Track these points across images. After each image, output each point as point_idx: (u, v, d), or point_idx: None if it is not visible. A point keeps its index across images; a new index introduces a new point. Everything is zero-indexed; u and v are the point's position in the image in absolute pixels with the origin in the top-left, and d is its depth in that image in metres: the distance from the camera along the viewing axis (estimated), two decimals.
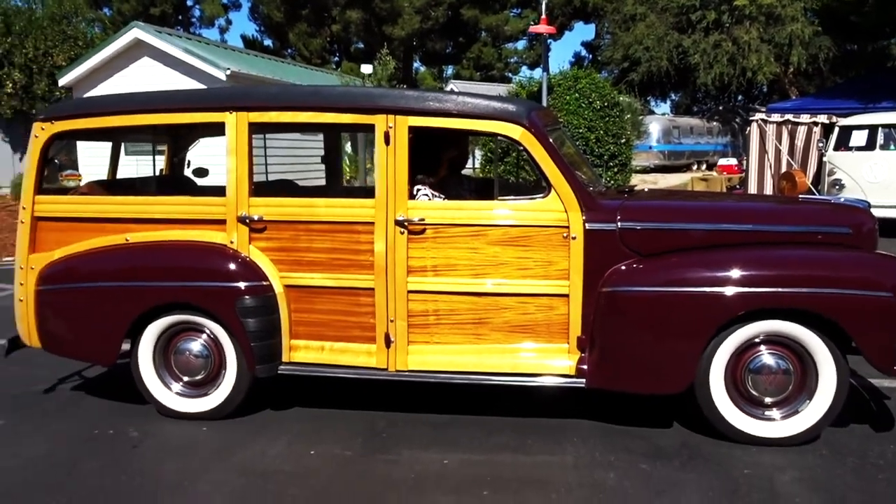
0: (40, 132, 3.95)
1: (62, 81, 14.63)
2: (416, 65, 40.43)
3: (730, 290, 3.23)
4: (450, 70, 43.96)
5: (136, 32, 13.86)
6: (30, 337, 3.94)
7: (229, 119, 3.70)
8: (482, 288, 3.48)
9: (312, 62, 34.04)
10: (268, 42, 39.49)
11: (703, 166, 27.77)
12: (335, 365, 3.63)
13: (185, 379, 3.81)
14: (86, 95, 14.42)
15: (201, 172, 5.21)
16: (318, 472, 3.20)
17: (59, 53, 17.02)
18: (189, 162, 5.29)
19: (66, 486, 3.11)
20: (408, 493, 3.00)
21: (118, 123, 3.97)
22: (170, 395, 3.82)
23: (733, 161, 22.25)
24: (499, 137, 3.66)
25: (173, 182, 4.92)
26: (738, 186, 16.95)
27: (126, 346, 3.83)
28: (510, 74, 40.70)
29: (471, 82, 32.92)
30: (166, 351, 3.81)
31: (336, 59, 38.92)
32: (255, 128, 3.74)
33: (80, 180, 4.72)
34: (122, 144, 5.04)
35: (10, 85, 16.82)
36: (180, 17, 40.54)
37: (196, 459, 3.37)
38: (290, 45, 37.99)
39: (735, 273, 3.25)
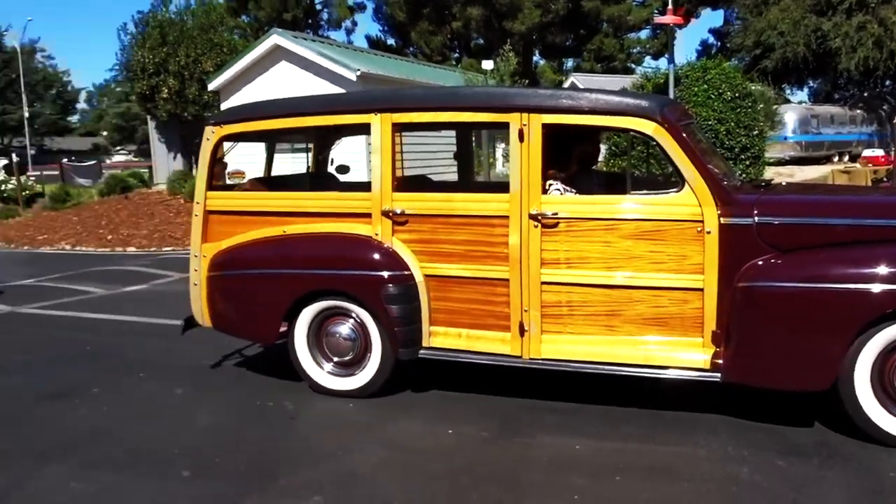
0: (211, 135, 4.43)
1: (211, 86, 15.88)
2: (535, 58, 40.27)
3: (877, 287, 3.14)
4: (570, 63, 43.45)
5: (276, 39, 14.79)
6: (202, 317, 4.44)
7: (375, 120, 4.00)
8: (615, 280, 3.58)
9: (433, 59, 34.74)
10: (391, 41, 40.68)
11: (846, 158, 25.92)
12: (471, 351, 3.85)
13: (335, 359, 4.15)
14: (231, 98, 15.61)
15: (343, 169, 5.60)
16: (458, 450, 3.43)
17: (207, 60, 18.41)
18: (332, 160, 5.70)
19: (238, 450, 3.51)
20: (543, 473, 3.16)
21: (277, 126, 4.39)
22: (322, 374, 4.17)
23: (880, 152, 20.66)
24: (631, 133, 3.74)
25: (320, 179, 5.31)
26: (885, 179, 15.75)
27: (283, 328, 4.23)
28: (633, 65, 39.69)
29: (592, 75, 32.43)
30: (319, 333, 4.16)
31: (456, 55, 39.47)
32: (398, 128, 4.01)
33: (243, 178, 5.28)
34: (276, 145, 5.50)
35: (166, 91, 18.41)
36: (310, 21, 42.55)
37: (346, 433, 3.70)
38: (412, 44, 38.94)
39: (883, 269, 3.16)
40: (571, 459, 3.29)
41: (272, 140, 5.37)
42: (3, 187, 25.17)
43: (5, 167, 23.30)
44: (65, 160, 29.93)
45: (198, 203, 4.45)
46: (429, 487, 3.05)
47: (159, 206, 17.34)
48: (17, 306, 7.37)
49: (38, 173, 26.72)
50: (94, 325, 6.46)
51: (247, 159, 7.39)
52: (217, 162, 4.51)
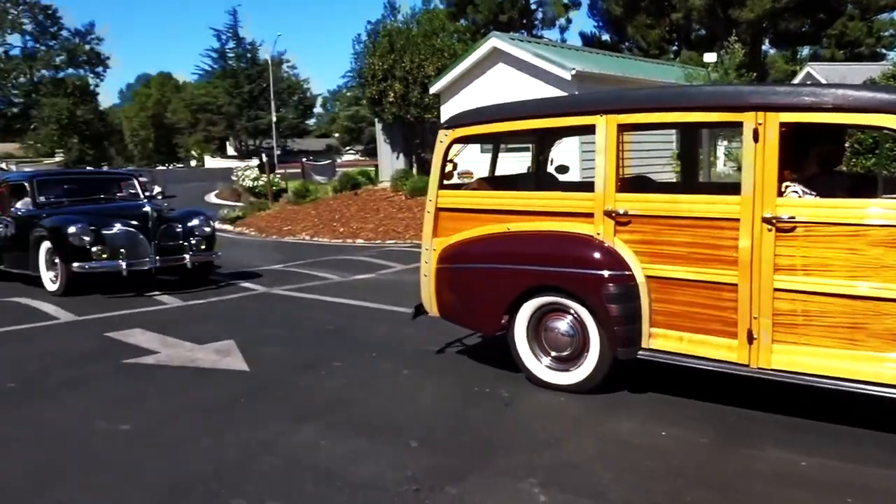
0: (444, 138, 4.77)
1: (432, 90, 16.83)
2: (764, 47, 37.24)
3: None
4: (805, 51, 39.62)
5: (494, 41, 15.29)
6: (431, 306, 4.81)
7: (600, 122, 4.06)
8: (860, 291, 3.31)
9: (650, 54, 33.56)
10: (606, 37, 39.96)
11: None
12: (692, 356, 3.77)
13: (553, 354, 4.29)
14: (449, 101, 16.39)
15: (563, 169, 5.72)
16: (674, 452, 3.40)
17: (430, 65, 19.50)
18: (552, 160, 5.84)
19: (459, 428, 3.79)
20: (765, 485, 3.04)
21: (505, 129, 4.63)
22: (540, 367, 4.33)
23: None
24: (884, 131, 3.43)
25: (541, 178, 5.49)
26: None
27: (503, 321, 4.45)
28: (883, 51, 35.25)
29: (832, 63, 29.28)
30: (538, 327, 4.32)
31: (675, 48, 37.75)
32: (622, 129, 4.04)
33: (472, 178, 5.66)
34: (500, 146, 5.77)
35: (392, 95, 19.81)
36: (524, 21, 43.17)
37: (560, 424, 3.82)
38: (629, 39, 37.91)
39: None
40: (797, 475, 3.12)
41: (498, 142, 5.63)
42: (255, 184, 28.64)
43: (259, 166, 26.45)
44: (304, 159, 33.36)
45: (430, 200, 4.82)
46: (644, 484, 3.07)
47: (384, 202, 18.72)
48: (270, 287, 8.47)
49: (282, 171, 30.03)
50: (333, 307, 7.23)
51: (462, 158, 7.79)
52: (448, 163, 4.84)
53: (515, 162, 7.43)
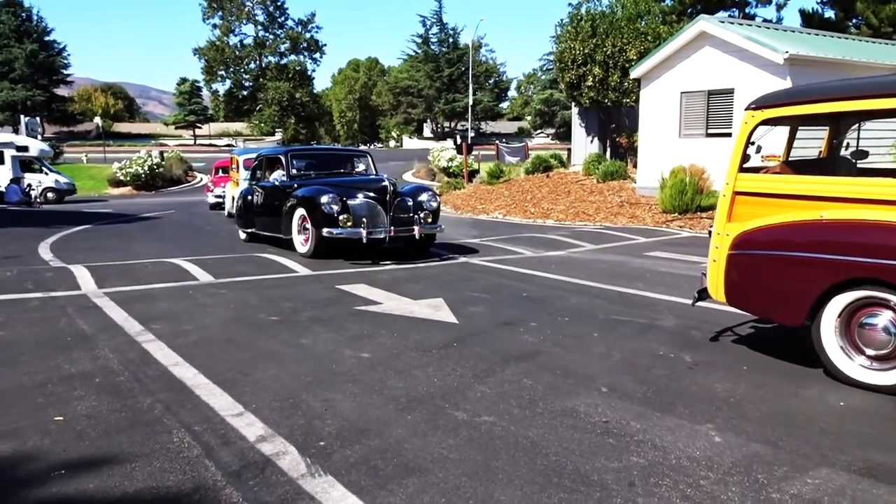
0: (750, 119, 4.57)
1: (633, 74, 16.83)
2: None
3: None
4: None
5: (702, 25, 14.97)
6: (717, 292, 4.68)
7: None
8: None
9: (881, 32, 30.23)
10: (829, 14, 36.52)
11: None
12: None
13: (869, 352, 4.03)
14: (650, 86, 16.32)
15: (861, 154, 5.37)
16: (869, 422, 3.62)
17: (632, 49, 19.39)
18: (847, 144, 5.45)
19: (644, 380, 4.26)
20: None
21: (818, 110, 4.40)
22: (852, 365, 4.11)
23: None
24: None
25: (841, 163, 5.20)
26: None
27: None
28: None
29: None
30: (850, 322, 4.09)
31: None
32: None
33: (777, 161, 5.46)
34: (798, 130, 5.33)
35: (591, 79, 19.98)
36: (736, 0, 40.62)
37: (742, 385, 4.14)
38: (856, 15, 34.32)
39: None
40: None
41: (806, 124, 5.25)
42: (449, 164, 30.09)
43: (456, 147, 27.87)
44: (498, 142, 34.40)
45: (727, 184, 4.62)
46: (820, 440, 3.36)
47: (575, 185, 19.09)
48: (471, 258, 9.34)
49: (476, 153, 31.28)
50: (527, 278, 7.89)
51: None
52: (751, 145, 4.62)
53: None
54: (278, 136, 71.71)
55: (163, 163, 38.21)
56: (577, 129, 22.78)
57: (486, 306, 6.41)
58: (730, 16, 34.23)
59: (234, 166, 16.98)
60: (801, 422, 3.62)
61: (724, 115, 14.79)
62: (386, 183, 9.16)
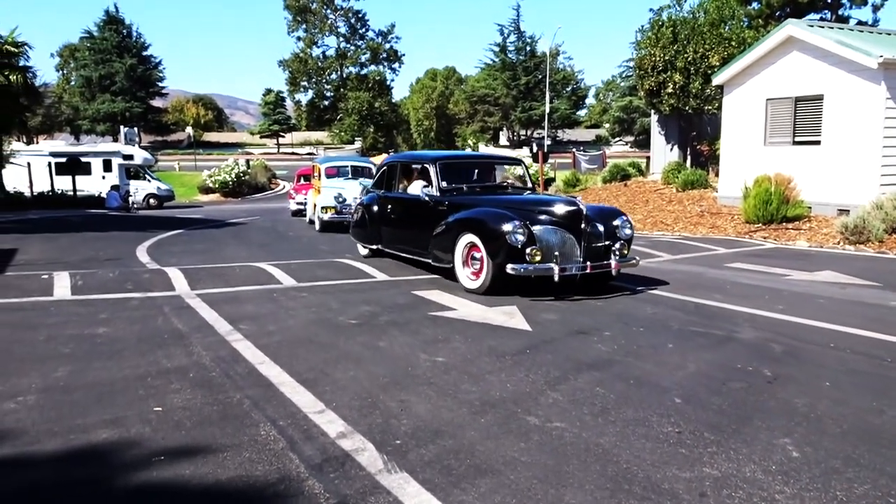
0: None
1: (715, 81, 16.44)
2: None
3: None
4: None
5: (789, 29, 14.49)
6: None
7: None
8: None
9: None
10: None
11: None
12: None
13: None
14: (733, 92, 15.92)
15: None
16: None
17: (715, 55, 18.95)
18: None
19: (719, 392, 4.21)
20: None
21: None
22: None
23: None
24: None
25: None
26: None
27: None
28: None
29: None
30: None
31: None
32: None
33: None
34: None
35: (671, 86, 19.62)
36: (829, 1, 38.93)
37: (823, 401, 4.05)
38: None
39: None
40: None
41: None
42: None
43: (533, 156, 27.89)
44: (575, 150, 34.19)
45: None
46: None
47: (653, 194, 18.76)
48: None
49: (552, 161, 31.16)
50: (601, 287, 7.85)
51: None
52: None
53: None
54: (357, 144, 73.34)
55: (248, 171, 39.83)
56: (657, 137, 22.37)
57: (558, 314, 6.44)
58: (821, 18, 32.88)
59: (315, 174, 17.60)
60: (886, 441, 3.51)
61: (813, 123, 14.25)
62: (580, 207, 7.40)
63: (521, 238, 7.02)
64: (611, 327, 5.89)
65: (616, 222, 7.66)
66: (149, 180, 31.07)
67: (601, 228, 7.50)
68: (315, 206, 16.45)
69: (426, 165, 8.91)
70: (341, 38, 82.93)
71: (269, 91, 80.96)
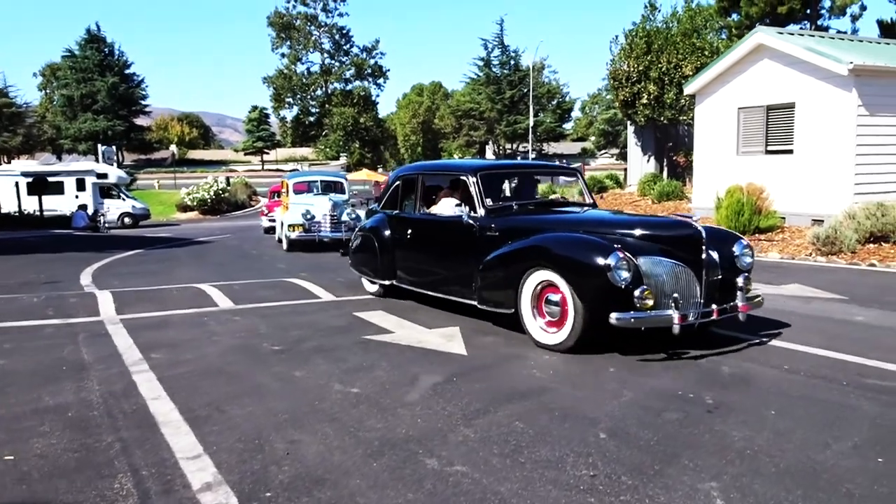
0: None
1: (687, 90, 16.16)
2: None
3: None
4: None
5: (759, 37, 14.25)
6: None
7: None
8: None
9: None
10: None
11: None
12: None
13: None
14: (704, 102, 15.64)
15: None
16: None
17: (688, 65, 18.72)
18: None
19: (649, 428, 3.79)
20: None
21: None
22: None
23: None
24: None
25: None
26: None
27: None
28: None
29: None
30: None
31: None
32: None
33: None
34: None
35: (646, 96, 19.36)
36: (808, 12, 39.02)
37: (763, 434, 3.63)
38: None
39: None
40: None
41: None
42: None
43: None
44: (556, 163, 33.90)
45: None
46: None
47: (629, 206, 18.42)
48: None
49: None
50: None
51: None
52: None
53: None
54: (343, 160, 72.99)
55: (228, 188, 39.35)
56: (633, 149, 22.09)
57: (498, 335, 6.01)
58: (801, 28, 32.88)
59: (284, 190, 17.12)
60: (824, 483, 3.09)
61: (785, 131, 13.97)
62: (698, 228, 5.45)
63: (625, 274, 5.07)
64: (551, 350, 5.46)
65: (735, 249, 5.71)
66: (124, 199, 30.59)
67: (716, 257, 5.51)
68: (282, 224, 15.89)
69: (463, 178, 6.87)
70: (326, 55, 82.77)
71: (254, 108, 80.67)
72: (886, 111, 13.05)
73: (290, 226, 14.88)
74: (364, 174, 41.42)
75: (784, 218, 13.44)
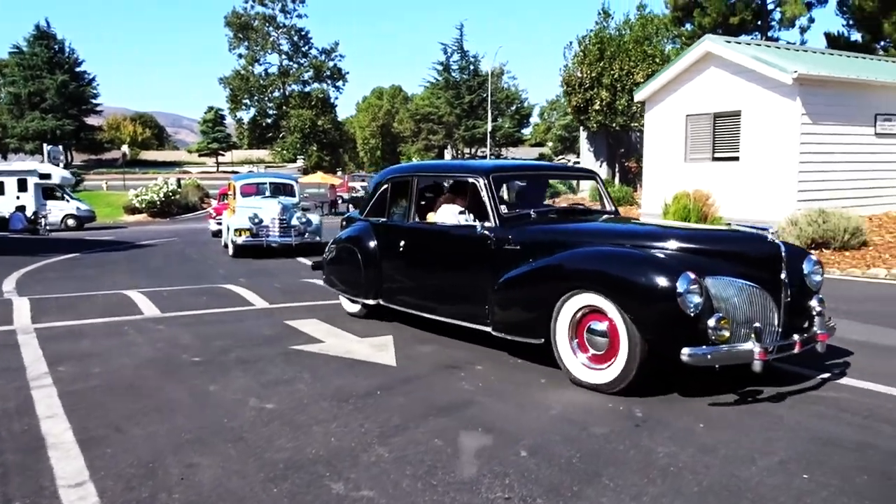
0: None
1: (637, 97, 16.24)
2: None
3: None
4: None
5: (707, 45, 14.37)
6: None
7: None
8: None
9: None
10: (855, 37, 35.64)
11: None
12: None
13: None
14: (654, 108, 15.72)
15: None
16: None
17: (640, 72, 18.86)
18: None
19: (573, 444, 3.62)
20: None
21: None
22: None
23: None
24: None
25: None
26: None
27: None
28: None
29: None
30: None
31: None
32: None
33: None
34: None
35: (598, 103, 19.44)
36: (759, 23, 39.91)
37: (688, 450, 3.49)
38: (884, 37, 33.42)
39: None
40: None
41: None
42: None
43: None
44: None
45: None
46: None
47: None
48: None
49: None
50: None
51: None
52: None
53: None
54: (300, 162, 72.11)
55: (179, 190, 38.41)
56: (586, 154, 22.19)
57: (436, 345, 5.80)
58: (752, 39, 33.56)
59: (231, 193, 16.61)
60: (747, 502, 2.95)
61: (731, 139, 14.11)
62: (777, 243, 4.60)
63: (697, 300, 4.13)
64: (484, 360, 5.26)
65: (804, 266, 4.83)
66: (68, 200, 29.57)
67: (783, 276, 4.55)
68: (229, 228, 15.28)
69: (471, 180, 5.73)
70: (284, 56, 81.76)
71: (210, 109, 79.18)
72: (829, 120, 13.27)
73: (236, 230, 14.34)
74: (319, 177, 40.74)
75: (730, 224, 13.54)
